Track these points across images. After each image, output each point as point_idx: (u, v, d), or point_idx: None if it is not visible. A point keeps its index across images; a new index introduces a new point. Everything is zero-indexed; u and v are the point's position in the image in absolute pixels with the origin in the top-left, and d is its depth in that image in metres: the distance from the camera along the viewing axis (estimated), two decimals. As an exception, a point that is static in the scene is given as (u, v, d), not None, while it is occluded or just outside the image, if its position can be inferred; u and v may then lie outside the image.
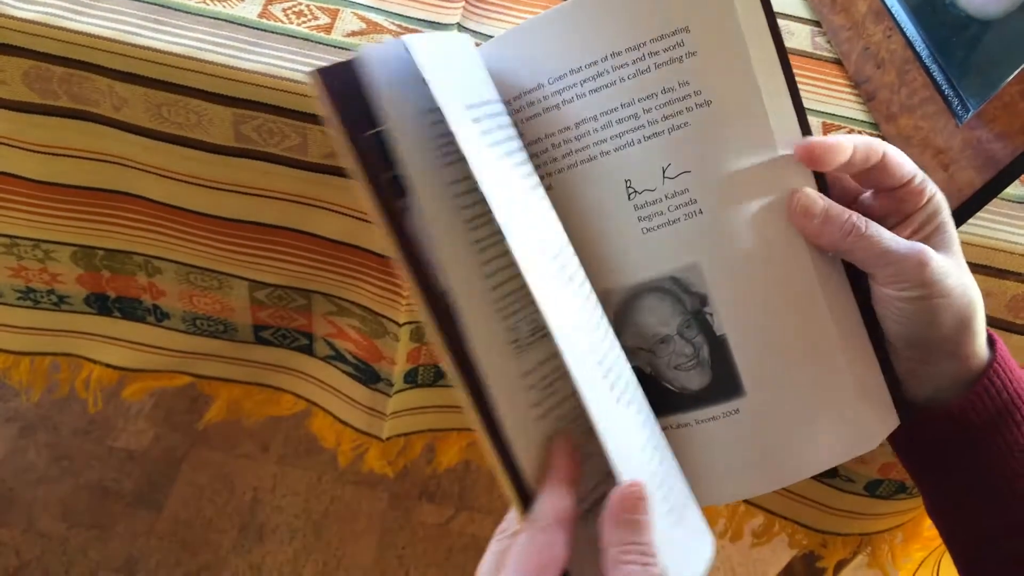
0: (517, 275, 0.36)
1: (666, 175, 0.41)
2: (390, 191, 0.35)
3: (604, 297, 0.42)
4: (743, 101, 0.42)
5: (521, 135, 0.42)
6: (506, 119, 0.41)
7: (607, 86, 0.41)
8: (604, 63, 0.41)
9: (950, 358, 0.43)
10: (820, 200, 0.42)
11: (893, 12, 0.65)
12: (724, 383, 0.43)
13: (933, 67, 0.61)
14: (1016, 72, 0.54)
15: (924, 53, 0.62)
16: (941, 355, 0.43)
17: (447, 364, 0.36)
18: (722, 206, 0.42)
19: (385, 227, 0.36)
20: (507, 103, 0.43)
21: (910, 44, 0.63)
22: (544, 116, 0.42)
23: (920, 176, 0.44)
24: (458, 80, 0.38)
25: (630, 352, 0.43)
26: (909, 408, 0.46)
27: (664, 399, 0.43)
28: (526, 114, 0.42)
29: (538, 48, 0.42)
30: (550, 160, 0.43)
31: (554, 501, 0.36)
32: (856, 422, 0.44)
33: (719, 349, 0.42)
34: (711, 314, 0.42)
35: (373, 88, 0.35)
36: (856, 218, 0.42)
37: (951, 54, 0.61)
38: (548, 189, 0.42)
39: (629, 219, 0.42)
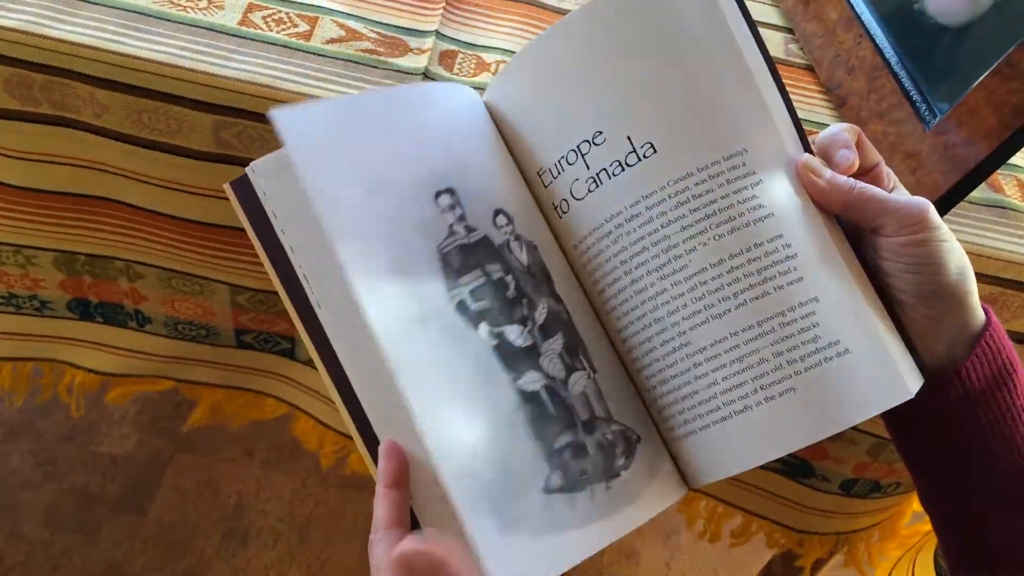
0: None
1: None
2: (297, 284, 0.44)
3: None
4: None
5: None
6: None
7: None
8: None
9: (958, 308, 0.46)
10: (824, 165, 0.46)
11: (863, 20, 0.66)
12: None
13: (902, 73, 0.63)
14: (981, 78, 0.56)
15: (893, 60, 0.63)
16: (951, 304, 0.45)
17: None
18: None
19: (294, 318, 0.45)
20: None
21: (879, 51, 0.64)
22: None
23: (883, 162, 0.47)
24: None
25: None
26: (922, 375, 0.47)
27: None
28: None
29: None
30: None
31: (385, 510, 0.42)
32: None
33: None
34: None
35: (263, 194, 0.44)
36: (855, 181, 0.45)
37: (919, 61, 0.62)
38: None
39: None
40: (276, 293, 0.71)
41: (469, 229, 0.45)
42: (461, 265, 0.44)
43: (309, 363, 0.77)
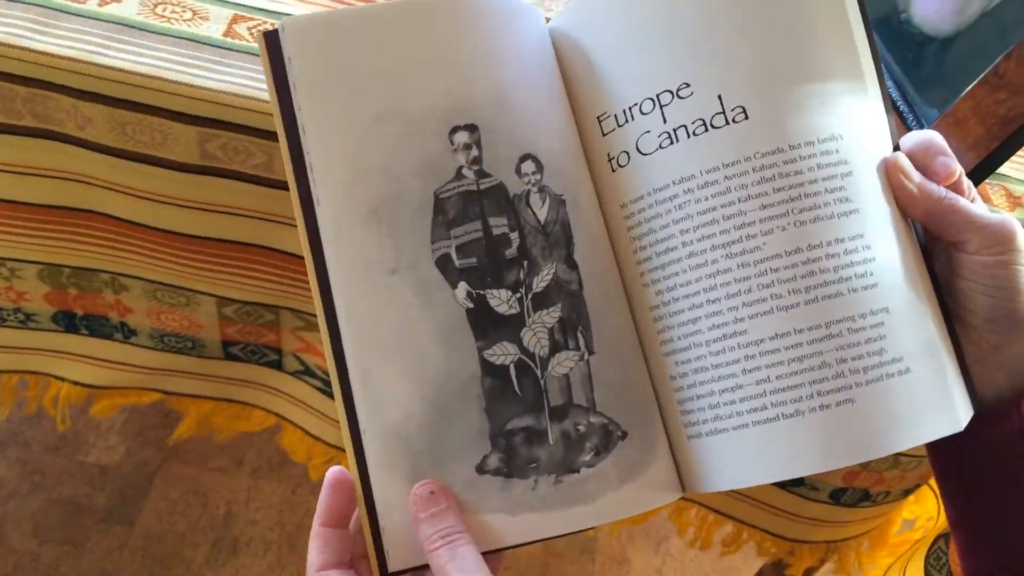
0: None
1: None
2: (303, 169, 0.41)
3: None
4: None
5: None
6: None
7: None
8: None
9: None
10: (915, 168, 0.43)
11: (850, 29, 0.66)
12: None
13: (889, 83, 0.63)
14: (968, 89, 0.56)
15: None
16: (1020, 333, 0.42)
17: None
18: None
19: (295, 207, 0.42)
20: None
21: (867, 61, 0.64)
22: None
23: (963, 172, 0.44)
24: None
25: None
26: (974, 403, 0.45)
27: None
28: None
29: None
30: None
31: (318, 552, 0.40)
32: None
33: None
34: None
35: (288, 60, 0.41)
36: (945, 189, 0.43)
37: (906, 70, 0.62)
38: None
39: None
40: (262, 305, 0.72)
41: (482, 174, 0.42)
42: (458, 215, 0.41)
43: (297, 375, 0.77)
